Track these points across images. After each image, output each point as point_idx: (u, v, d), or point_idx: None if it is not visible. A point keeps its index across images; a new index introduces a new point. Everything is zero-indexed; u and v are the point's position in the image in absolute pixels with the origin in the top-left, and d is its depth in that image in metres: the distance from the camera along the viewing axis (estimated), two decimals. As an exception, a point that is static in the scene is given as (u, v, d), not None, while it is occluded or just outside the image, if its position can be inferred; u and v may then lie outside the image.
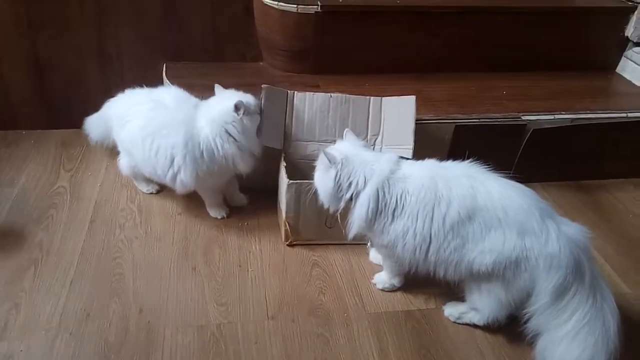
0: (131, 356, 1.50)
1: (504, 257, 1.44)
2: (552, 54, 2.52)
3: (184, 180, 1.83)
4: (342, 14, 2.25)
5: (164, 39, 2.32)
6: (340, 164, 1.55)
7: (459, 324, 1.66)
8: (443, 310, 1.69)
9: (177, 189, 1.89)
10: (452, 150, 2.11)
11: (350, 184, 1.55)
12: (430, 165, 1.59)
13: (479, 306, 1.58)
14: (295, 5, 2.19)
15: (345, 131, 1.70)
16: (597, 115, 2.23)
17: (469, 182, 1.49)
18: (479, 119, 2.14)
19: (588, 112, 2.23)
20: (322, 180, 1.60)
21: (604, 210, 2.21)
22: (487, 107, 2.21)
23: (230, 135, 1.79)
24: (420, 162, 1.62)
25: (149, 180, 2.05)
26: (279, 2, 2.19)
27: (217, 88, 1.87)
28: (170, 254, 1.84)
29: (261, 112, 1.87)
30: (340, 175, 1.55)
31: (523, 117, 2.17)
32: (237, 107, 1.76)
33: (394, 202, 1.51)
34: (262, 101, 1.88)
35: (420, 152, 1.87)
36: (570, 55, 2.54)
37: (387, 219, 1.53)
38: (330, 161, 1.56)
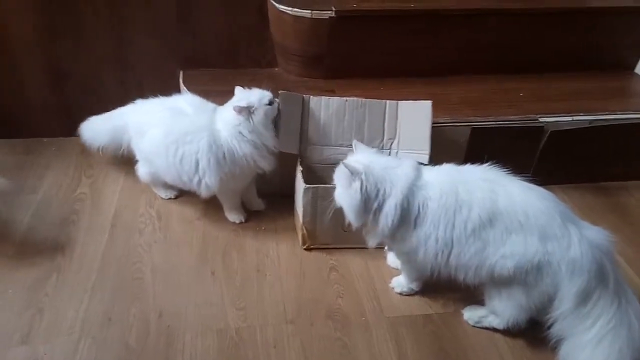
0: (152, 360, 1.52)
1: (526, 261, 1.43)
2: (569, 54, 2.49)
3: (208, 183, 1.86)
4: (357, 19, 2.25)
5: (180, 46, 2.34)
6: (364, 174, 1.50)
7: (478, 327, 1.65)
8: (462, 314, 1.68)
9: (202, 193, 1.91)
10: (469, 153, 2.10)
11: (377, 192, 1.50)
12: (448, 170, 1.58)
13: (499, 310, 1.57)
14: (309, 11, 2.20)
15: (353, 143, 1.66)
16: (617, 117, 2.20)
17: (489, 185, 1.49)
18: (495, 121, 2.13)
19: (607, 113, 2.21)
20: (347, 195, 1.53)
21: (625, 212, 2.19)
22: (504, 109, 2.19)
23: (244, 135, 1.82)
24: (437, 167, 1.60)
25: (167, 186, 2.07)
26: (293, 7, 2.21)
27: (237, 89, 1.88)
28: (189, 258, 1.86)
29: (278, 110, 1.88)
30: (366, 186, 1.49)
31: (540, 119, 2.16)
32: (239, 112, 1.79)
33: (416, 209, 1.50)
34: (279, 106, 1.90)
35: (437, 155, 1.87)
36: (588, 56, 2.51)
37: (410, 227, 1.51)
38: (352, 173, 1.50)
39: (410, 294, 1.75)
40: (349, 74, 2.34)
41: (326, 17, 2.20)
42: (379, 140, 1.99)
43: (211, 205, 2.04)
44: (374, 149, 1.66)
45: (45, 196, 2.10)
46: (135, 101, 2.04)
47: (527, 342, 1.62)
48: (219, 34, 2.35)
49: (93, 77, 2.35)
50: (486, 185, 1.49)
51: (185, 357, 1.53)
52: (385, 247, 1.86)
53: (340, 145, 1.99)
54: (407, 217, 1.50)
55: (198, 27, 2.32)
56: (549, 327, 1.47)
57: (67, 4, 2.18)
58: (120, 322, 1.61)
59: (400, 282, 1.76)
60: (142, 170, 2.06)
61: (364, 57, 2.35)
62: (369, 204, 1.51)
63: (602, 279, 1.42)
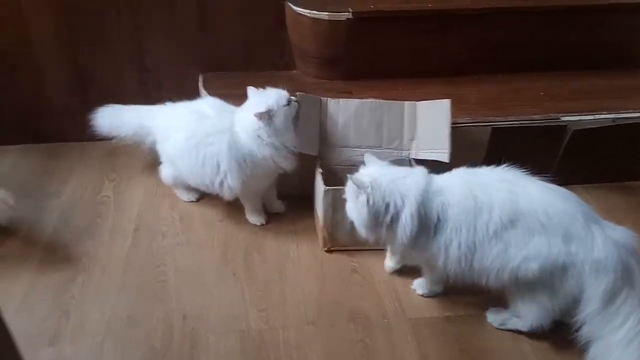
0: (176, 361, 1.53)
1: (550, 263, 1.42)
2: (591, 52, 2.46)
3: (231, 185, 1.88)
4: (374, 20, 2.25)
5: (199, 50, 2.37)
6: (370, 187, 1.49)
7: (502, 330, 1.64)
8: (485, 316, 1.67)
9: (225, 195, 1.93)
10: (489, 153, 2.09)
11: (387, 205, 1.49)
12: (463, 174, 1.56)
13: (523, 312, 1.56)
14: (326, 13, 2.20)
15: (364, 156, 1.65)
16: (640, 114, 2.18)
17: (507, 186, 1.47)
18: (516, 120, 2.11)
19: (630, 111, 2.17)
20: (356, 210, 1.53)
21: (648, 211, 2.16)
22: (525, 108, 2.17)
23: (262, 139, 1.83)
24: (449, 172, 1.59)
25: (189, 189, 2.09)
26: (310, 10, 2.22)
27: (250, 90, 1.89)
28: (211, 260, 1.88)
29: (298, 108, 1.89)
30: (373, 200, 1.48)
31: (562, 118, 2.13)
32: (260, 118, 1.79)
33: (435, 216, 1.48)
34: (298, 107, 1.90)
35: (457, 156, 1.87)
36: (610, 53, 2.47)
37: (430, 234, 1.50)
38: (358, 187, 1.50)
39: (433, 295, 1.75)
40: (366, 75, 2.34)
41: (343, 18, 2.20)
42: (398, 141, 1.99)
43: (232, 208, 2.06)
44: (386, 162, 1.63)
45: (70, 200, 2.13)
46: (165, 103, 2.05)
47: (552, 345, 1.60)
48: (238, 37, 2.37)
49: (114, 82, 2.39)
50: (504, 187, 1.47)
51: (209, 359, 1.54)
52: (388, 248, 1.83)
53: (359, 147, 1.99)
54: (426, 225, 1.49)
55: (217, 31, 2.34)
56: (576, 330, 1.45)
57: (89, 9, 2.22)
58: (144, 324, 1.64)
59: (422, 284, 1.75)
60: (165, 172, 2.08)
61: (381, 58, 2.35)
62: (379, 217, 1.50)
63: (628, 278, 1.40)
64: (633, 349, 1.37)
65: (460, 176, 1.55)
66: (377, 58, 2.35)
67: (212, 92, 2.19)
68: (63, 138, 2.45)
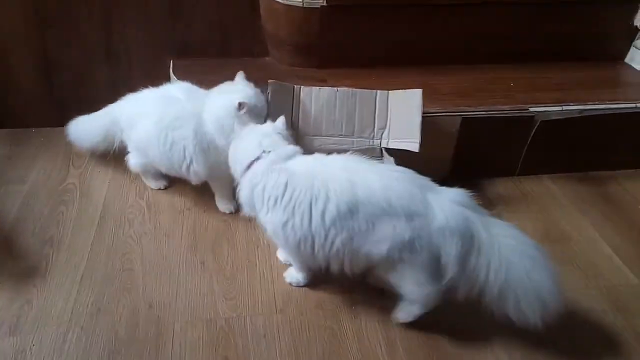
0: (141, 350, 1.51)
1: (397, 242, 1.44)
2: (559, 44, 2.49)
3: (196, 170, 1.86)
4: (349, 8, 2.24)
5: (170, 36, 2.32)
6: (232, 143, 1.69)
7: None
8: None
9: (192, 179, 1.91)
10: (459, 143, 2.11)
11: (235, 164, 1.65)
12: (312, 160, 1.58)
13: (408, 295, 1.55)
14: (300, 0, 2.19)
15: (280, 118, 1.72)
16: (606, 106, 2.20)
17: (347, 175, 1.48)
18: (486, 111, 2.12)
19: (597, 102, 2.21)
20: None
21: (613, 201, 2.19)
22: (495, 99, 2.19)
23: (225, 129, 1.80)
24: (306, 156, 1.61)
25: (157, 177, 2.06)
26: (284, -3, 2.20)
27: (239, 76, 1.88)
28: (179, 249, 1.85)
29: (267, 113, 1.86)
30: (230, 154, 1.69)
31: (531, 109, 2.16)
32: (240, 106, 1.76)
33: (268, 193, 1.52)
34: (269, 96, 1.89)
35: (428, 145, 1.88)
36: (578, 46, 2.51)
37: (264, 208, 1.54)
38: None
39: (300, 285, 1.73)
40: (341, 63, 2.33)
41: (317, 6, 2.18)
42: (370, 130, 1.99)
43: (201, 196, 2.03)
44: (286, 132, 1.69)
45: (33, 187, 2.08)
46: (125, 96, 2.01)
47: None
48: (211, 24, 2.33)
49: (82, 67, 2.33)
50: (344, 176, 1.48)
51: (174, 347, 1.52)
52: None
53: (332, 136, 1.99)
54: (260, 199, 1.55)
55: (190, 16, 2.30)
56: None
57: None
58: (109, 313, 1.61)
59: (290, 273, 1.75)
60: (134, 160, 2.04)
61: (356, 46, 2.34)
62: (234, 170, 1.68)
63: (472, 232, 1.44)
64: (513, 291, 1.42)
65: (309, 162, 1.57)
66: (351, 46, 2.34)
67: (183, 78, 2.15)
68: (28, 124, 2.39)
